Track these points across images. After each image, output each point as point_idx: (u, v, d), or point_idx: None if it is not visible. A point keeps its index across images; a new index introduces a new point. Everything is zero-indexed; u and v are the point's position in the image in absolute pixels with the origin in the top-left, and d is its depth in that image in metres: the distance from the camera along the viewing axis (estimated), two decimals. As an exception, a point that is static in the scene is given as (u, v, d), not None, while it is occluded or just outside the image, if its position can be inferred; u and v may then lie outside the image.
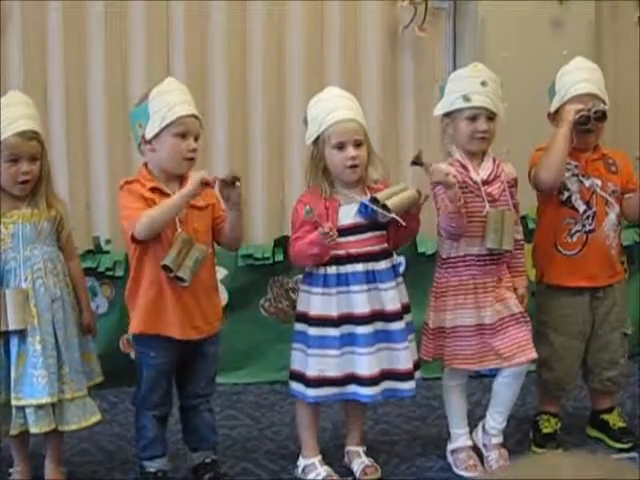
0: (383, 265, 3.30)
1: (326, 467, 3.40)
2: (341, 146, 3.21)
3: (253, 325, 4.26)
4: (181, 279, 3.10)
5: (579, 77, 3.53)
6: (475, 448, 3.50)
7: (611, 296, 3.61)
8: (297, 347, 3.36)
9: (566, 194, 3.54)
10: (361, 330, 3.26)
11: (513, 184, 3.45)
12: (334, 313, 3.26)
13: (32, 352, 3.12)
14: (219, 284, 4.08)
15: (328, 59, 4.44)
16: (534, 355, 3.42)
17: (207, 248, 3.19)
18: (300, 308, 3.37)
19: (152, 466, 3.30)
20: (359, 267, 3.26)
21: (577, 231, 3.56)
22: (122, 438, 3.73)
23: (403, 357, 3.32)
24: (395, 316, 3.31)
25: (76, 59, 4.24)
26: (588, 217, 3.55)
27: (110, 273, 4.16)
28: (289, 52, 4.41)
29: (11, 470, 3.34)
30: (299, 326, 3.35)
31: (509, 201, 3.39)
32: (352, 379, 3.28)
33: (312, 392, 3.32)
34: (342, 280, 3.27)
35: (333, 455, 3.54)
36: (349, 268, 3.26)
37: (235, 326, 4.07)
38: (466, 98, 3.34)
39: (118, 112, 4.22)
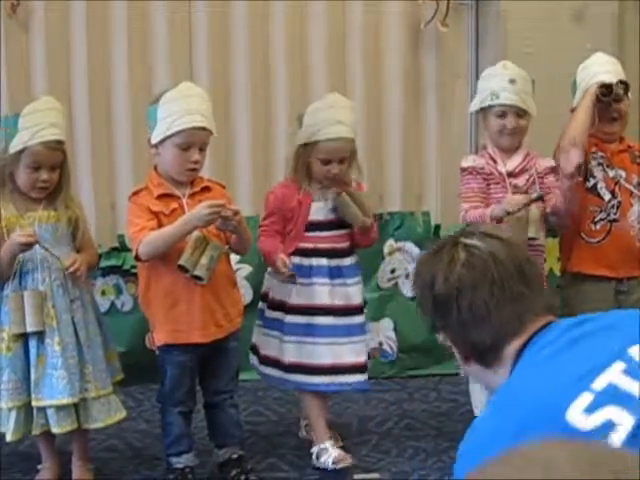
0: (348, 262, 3.46)
1: (338, 449, 3.44)
2: (326, 161, 3.34)
3: (278, 321, 4.26)
4: (198, 277, 3.11)
5: (599, 69, 3.56)
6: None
7: (637, 291, 3.61)
8: (258, 323, 3.52)
9: (592, 181, 3.56)
10: (321, 321, 3.39)
11: (548, 171, 3.50)
12: (291, 301, 3.40)
13: (51, 353, 3.14)
14: (244, 281, 4.11)
15: (350, 55, 4.44)
16: None
17: (222, 245, 3.20)
18: (264, 289, 3.52)
19: (179, 462, 3.32)
20: (324, 261, 3.41)
21: (601, 219, 3.57)
22: (149, 435, 3.74)
23: (360, 349, 3.46)
24: (358, 310, 3.46)
25: (100, 60, 4.25)
26: (613, 206, 3.56)
27: (135, 271, 4.16)
28: (311, 49, 4.41)
29: (39, 466, 3.37)
30: (261, 304, 3.52)
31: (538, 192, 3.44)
32: (300, 368, 3.40)
33: (263, 369, 3.50)
34: (304, 271, 3.40)
35: (359, 451, 3.55)
36: (314, 261, 3.41)
37: (260, 323, 4.09)
38: (495, 95, 3.39)
39: (142, 112, 4.20)
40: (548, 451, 0.87)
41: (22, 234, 3.10)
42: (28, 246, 3.10)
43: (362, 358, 3.46)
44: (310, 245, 3.41)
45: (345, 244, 3.46)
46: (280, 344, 3.42)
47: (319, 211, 3.41)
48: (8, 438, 3.19)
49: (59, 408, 3.15)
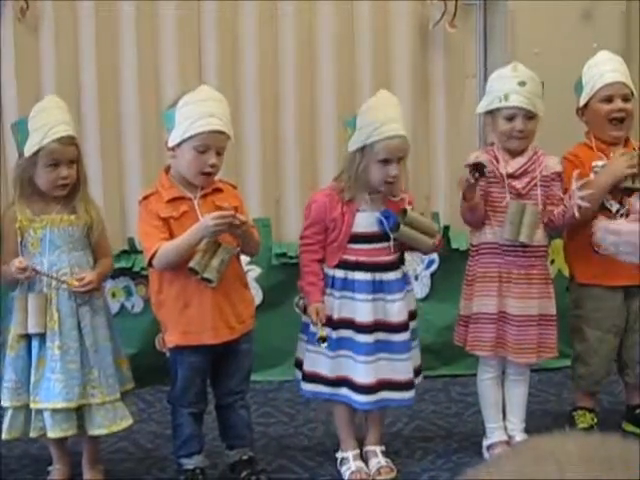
0: (392, 276, 3.32)
1: (358, 462, 3.42)
2: (386, 162, 3.22)
3: (288, 323, 4.25)
4: (208, 280, 3.12)
5: (605, 68, 3.55)
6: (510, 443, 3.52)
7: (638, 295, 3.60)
8: (302, 337, 3.41)
9: None
10: (361, 338, 3.28)
11: (554, 177, 3.43)
12: (334, 315, 3.29)
13: (51, 356, 3.16)
14: (254, 282, 4.11)
15: (359, 55, 4.44)
16: (532, 360, 3.48)
17: (233, 247, 3.19)
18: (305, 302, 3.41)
19: (190, 463, 3.33)
20: (366, 276, 3.29)
21: None
22: (159, 436, 3.75)
23: (403, 368, 3.33)
24: (400, 327, 3.32)
25: (109, 62, 4.27)
26: (622, 215, 3.53)
27: (145, 272, 4.17)
28: (320, 50, 4.41)
29: (50, 468, 3.39)
30: (305, 318, 3.39)
31: (538, 197, 3.39)
32: (346, 382, 3.31)
33: (305, 386, 3.38)
34: (348, 285, 3.29)
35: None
36: (356, 275, 3.29)
37: (270, 324, 4.09)
38: (504, 97, 3.36)
39: (151, 113, 4.25)
40: (562, 445, 0.87)
41: (17, 268, 3.11)
42: (26, 278, 3.14)
43: (404, 377, 3.33)
44: (352, 258, 3.28)
45: (389, 257, 3.31)
46: (319, 357, 3.31)
47: (363, 222, 3.28)
48: (3, 436, 3.22)
49: (55, 412, 3.15)
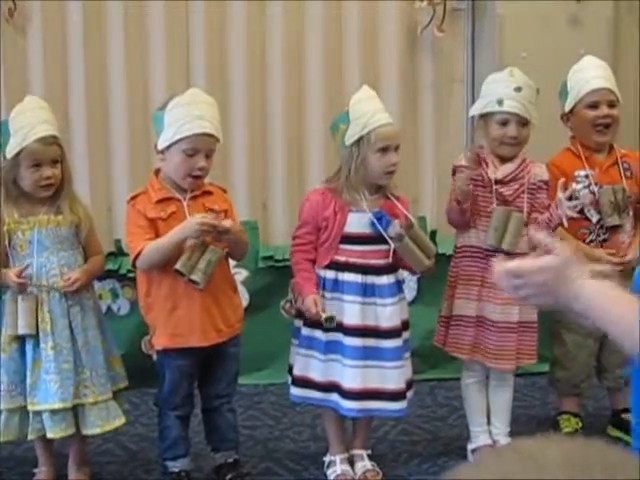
0: (385, 280, 3.29)
1: (344, 466, 3.43)
2: (384, 150, 3.21)
3: (274, 326, 4.25)
4: (195, 282, 3.12)
5: (591, 74, 3.56)
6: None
7: None
8: (293, 342, 3.39)
9: (575, 202, 3.50)
10: (349, 342, 3.25)
11: (541, 185, 3.43)
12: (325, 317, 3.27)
13: (45, 357, 3.16)
14: (241, 285, 4.11)
15: (347, 59, 4.45)
16: (510, 367, 3.47)
17: (221, 249, 3.19)
18: (298, 305, 3.37)
19: (175, 466, 3.33)
20: (356, 278, 3.26)
21: (592, 240, 3.54)
22: (145, 438, 3.75)
23: (394, 376, 3.29)
24: (390, 334, 3.29)
25: (97, 63, 4.27)
26: (602, 226, 3.53)
27: (132, 275, 4.17)
28: (308, 52, 4.42)
29: (35, 470, 3.38)
30: (297, 322, 3.37)
31: (524, 205, 3.39)
32: (335, 388, 3.29)
33: (295, 391, 3.37)
34: (338, 287, 3.27)
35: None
36: (346, 276, 3.27)
37: (256, 327, 4.09)
38: (498, 102, 3.35)
39: (139, 115, 4.24)
40: (543, 448, 0.87)
41: (15, 274, 3.14)
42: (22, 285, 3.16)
43: (394, 386, 3.28)
44: (342, 258, 3.26)
45: (381, 261, 3.27)
46: (311, 361, 3.30)
47: (355, 223, 3.25)
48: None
49: (53, 413, 3.16)
